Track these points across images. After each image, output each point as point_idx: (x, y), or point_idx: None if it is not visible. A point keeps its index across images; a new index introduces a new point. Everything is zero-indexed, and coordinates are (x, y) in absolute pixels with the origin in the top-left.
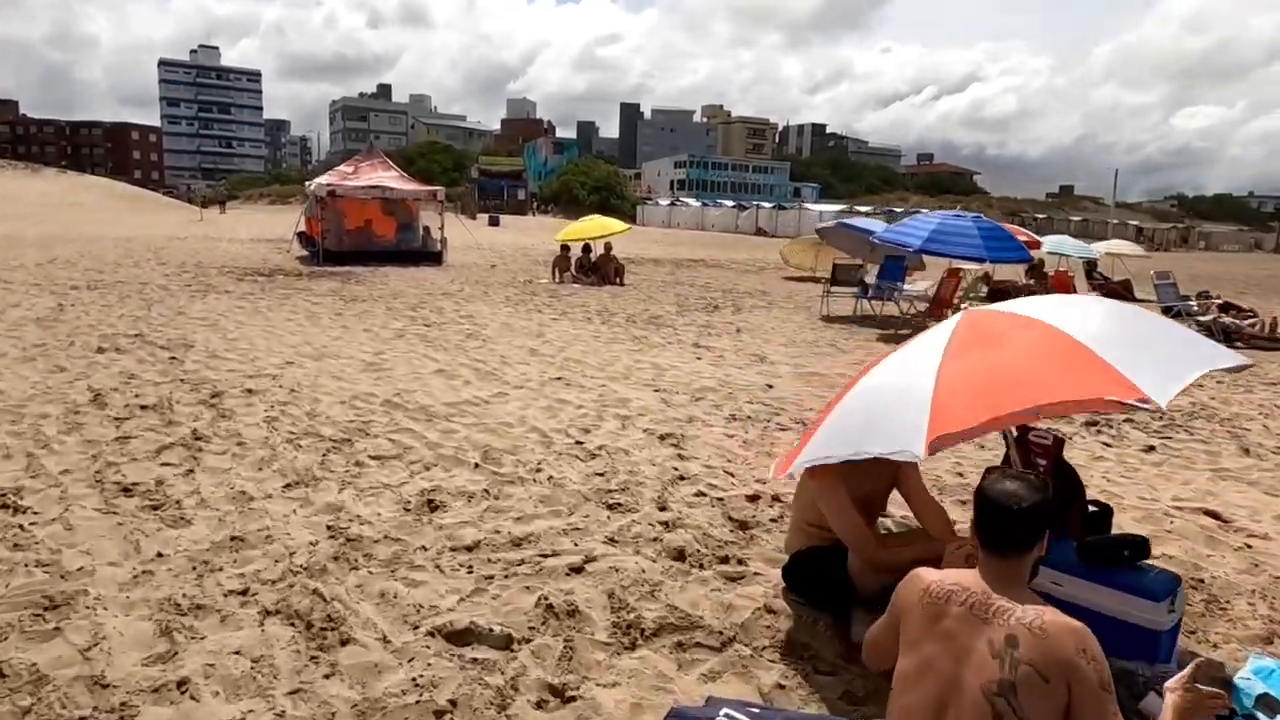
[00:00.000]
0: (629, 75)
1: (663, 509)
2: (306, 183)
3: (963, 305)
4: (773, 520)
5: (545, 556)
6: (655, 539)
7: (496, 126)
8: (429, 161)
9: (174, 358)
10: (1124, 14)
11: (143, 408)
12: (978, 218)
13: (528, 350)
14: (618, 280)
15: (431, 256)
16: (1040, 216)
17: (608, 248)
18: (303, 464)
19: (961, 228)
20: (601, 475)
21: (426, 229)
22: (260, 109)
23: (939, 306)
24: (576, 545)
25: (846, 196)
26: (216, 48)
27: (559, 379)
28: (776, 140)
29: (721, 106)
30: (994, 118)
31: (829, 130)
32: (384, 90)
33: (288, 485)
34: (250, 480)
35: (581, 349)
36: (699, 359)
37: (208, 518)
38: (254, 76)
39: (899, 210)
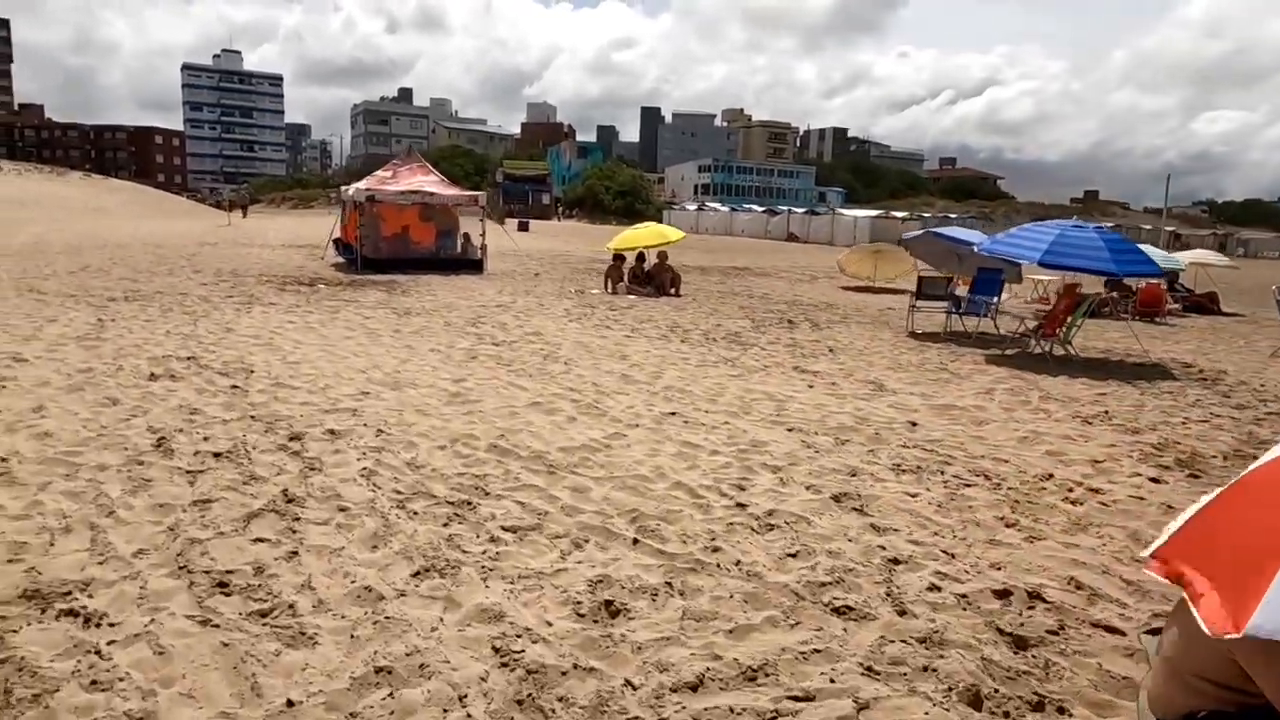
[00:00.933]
0: (644, 80)
1: (902, 613)
2: (343, 187)
3: (1075, 323)
4: (1051, 633)
5: (798, 700)
6: (926, 667)
7: (516, 130)
8: (451, 165)
9: (236, 386)
10: (1142, 18)
11: (215, 455)
12: (1100, 228)
13: (619, 376)
14: (674, 291)
15: (472, 264)
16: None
17: (662, 257)
18: (425, 539)
19: (1085, 239)
20: (796, 557)
21: (466, 235)
22: (281, 113)
23: (1052, 324)
24: (833, 682)
25: (870, 201)
26: (239, 52)
27: (672, 414)
28: (797, 144)
29: (742, 110)
30: (1011, 122)
31: (850, 134)
32: (405, 94)
33: (417, 574)
34: (370, 566)
35: (676, 374)
36: (810, 386)
37: (335, 631)
38: (275, 81)
39: (926, 215)
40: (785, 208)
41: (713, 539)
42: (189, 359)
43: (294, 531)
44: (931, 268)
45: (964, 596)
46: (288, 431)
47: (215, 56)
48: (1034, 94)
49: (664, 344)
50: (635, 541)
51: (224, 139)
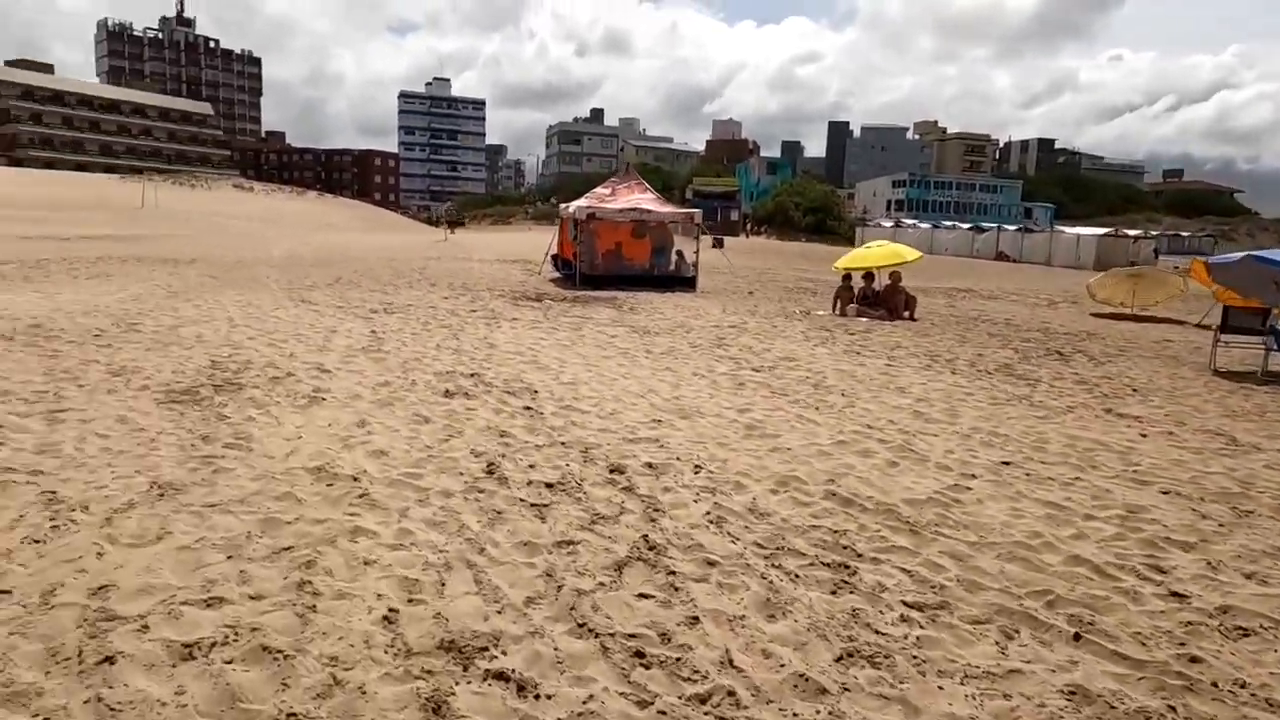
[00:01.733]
0: (826, 94)
1: None
2: (562, 205)
3: None
4: None
5: None
6: None
7: (700, 147)
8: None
9: (529, 408)
10: None
11: (548, 486)
12: None
13: (910, 412)
14: (908, 314)
15: (685, 281)
16: None
17: (895, 277)
18: (826, 611)
19: None
20: None
21: (680, 253)
22: (483, 135)
23: None
24: None
25: (1082, 217)
26: (448, 80)
27: (1006, 463)
28: (996, 157)
29: (935, 123)
30: (1245, 128)
31: (1057, 145)
32: (597, 114)
33: (841, 658)
34: (786, 645)
35: (974, 413)
36: (1144, 436)
37: None
38: (479, 105)
39: (1155, 233)
40: (992, 225)
41: (1180, 644)
42: (472, 376)
43: (675, 588)
44: (1238, 295)
45: None
46: (605, 463)
47: (427, 84)
48: (1275, 97)
49: (933, 375)
50: (1077, 637)
51: (432, 160)
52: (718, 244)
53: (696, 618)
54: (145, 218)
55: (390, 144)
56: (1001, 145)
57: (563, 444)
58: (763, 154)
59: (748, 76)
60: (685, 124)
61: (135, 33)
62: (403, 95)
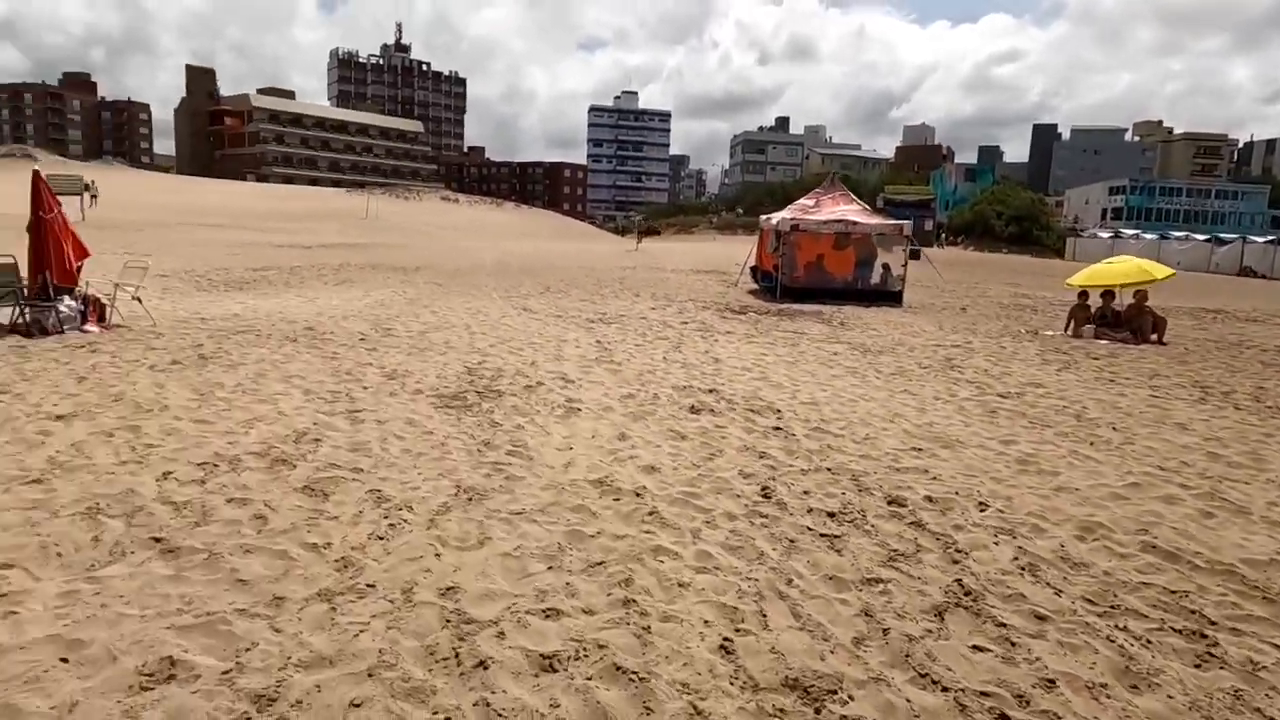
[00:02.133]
0: (1027, 94)
1: None
2: (763, 216)
3: None
4: None
5: None
6: None
7: (888, 154)
8: None
9: (777, 428)
10: None
11: (830, 515)
12: None
13: (1204, 454)
14: (1156, 338)
15: (891, 296)
16: None
17: (1141, 297)
18: (1209, 692)
19: None
20: None
21: (886, 266)
22: (667, 146)
23: None
24: None
25: None
26: (636, 93)
27: None
28: (1233, 159)
29: (1160, 123)
30: None
31: None
32: (782, 123)
33: None
34: None
35: None
36: None
37: None
38: (664, 117)
39: None
40: (1233, 235)
41: None
42: (710, 392)
43: (1012, 643)
44: None
45: None
46: (880, 493)
47: (616, 98)
48: None
49: (1213, 410)
50: None
51: (617, 171)
52: (914, 255)
53: (1051, 680)
54: (368, 227)
55: (577, 156)
56: (1240, 146)
57: (828, 470)
58: (957, 160)
59: (940, 79)
60: (871, 130)
61: (360, 59)
62: (592, 109)
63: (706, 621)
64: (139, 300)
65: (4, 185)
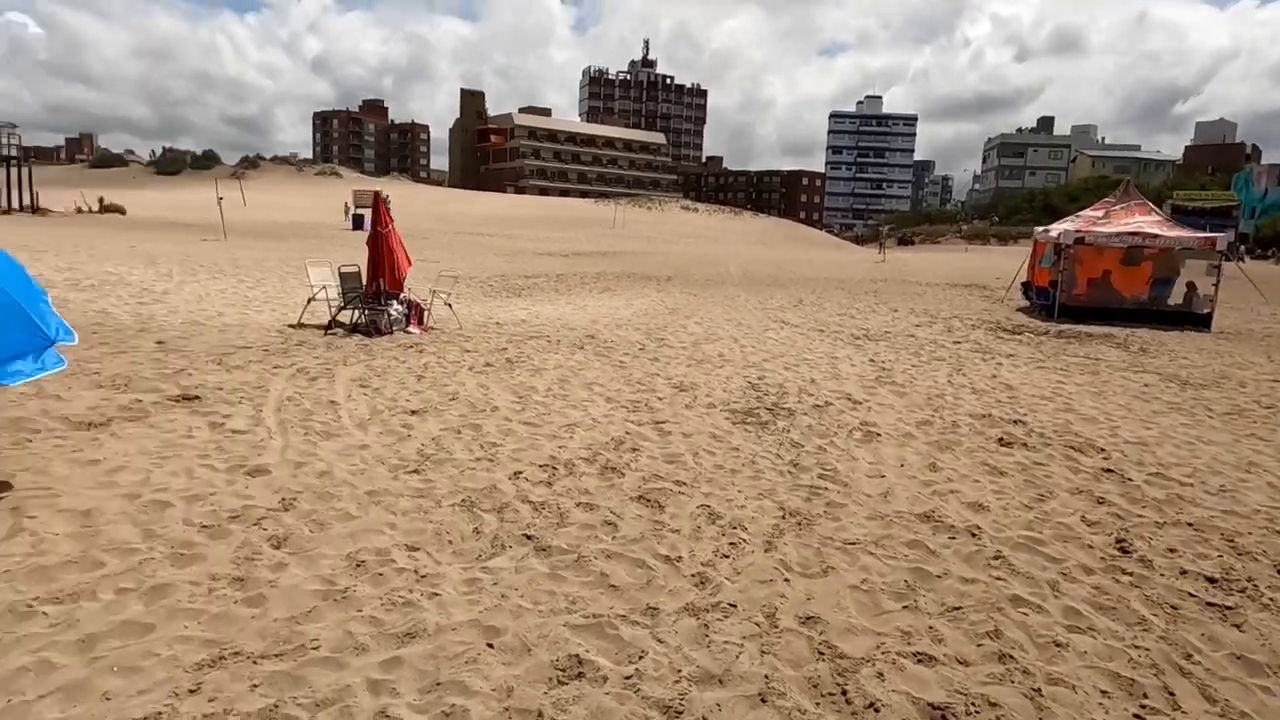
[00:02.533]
0: None
1: None
2: (1038, 228)
3: None
4: None
5: None
6: None
7: (1174, 155)
8: (1095, 198)
9: (1107, 470)
10: None
11: (1210, 581)
12: None
13: None
14: None
15: (1196, 319)
16: None
17: None
18: None
19: None
20: None
21: (1191, 285)
22: (911, 151)
23: None
24: None
25: None
26: (880, 97)
27: None
28: None
29: None
30: None
31: None
32: (1044, 123)
33: None
34: None
35: None
36: None
37: None
38: (910, 121)
39: None
40: None
41: None
42: (1015, 423)
43: None
44: None
45: None
46: (1269, 561)
47: (859, 102)
48: None
49: None
50: None
51: (856, 178)
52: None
53: None
54: (615, 236)
55: (811, 163)
56: None
57: (1189, 525)
58: (1265, 160)
59: (1241, 66)
60: (1149, 128)
61: (610, 76)
62: (833, 115)
63: (1104, 692)
64: (450, 306)
65: (318, 199)
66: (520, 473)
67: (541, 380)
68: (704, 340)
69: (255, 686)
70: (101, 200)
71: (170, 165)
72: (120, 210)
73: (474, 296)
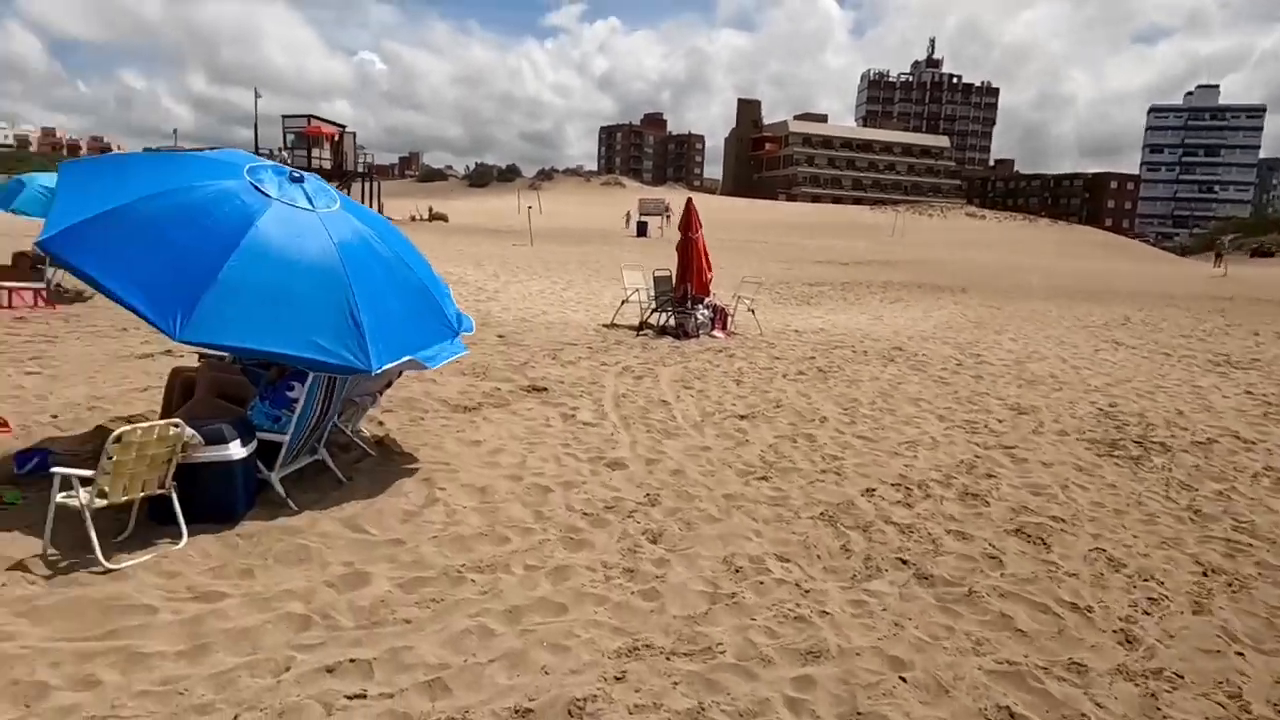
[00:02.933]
0: None
1: None
2: None
3: None
4: None
5: None
6: None
7: None
8: None
9: None
10: None
11: None
12: None
13: None
14: None
15: None
16: None
17: None
18: None
19: None
20: None
21: None
22: (1256, 148)
23: None
24: None
25: None
26: (1216, 86)
27: None
28: None
29: None
30: None
31: None
32: None
33: None
34: None
35: None
36: None
37: None
38: (1255, 113)
39: None
40: None
41: None
42: None
43: None
44: None
45: None
46: None
47: (1188, 94)
48: None
49: None
50: None
51: (1180, 180)
52: None
53: None
54: (895, 244)
55: (1119, 164)
56: None
57: None
58: None
59: None
60: None
61: (890, 79)
62: (1154, 110)
63: None
64: (753, 312)
65: (604, 207)
66: (873, 490)
67: (861, 392)
68: (1026, 359)
69: (676, 684)
70: (430, 209)
71: (480, 178)
72: (444, 218)
73: (763, 304)
